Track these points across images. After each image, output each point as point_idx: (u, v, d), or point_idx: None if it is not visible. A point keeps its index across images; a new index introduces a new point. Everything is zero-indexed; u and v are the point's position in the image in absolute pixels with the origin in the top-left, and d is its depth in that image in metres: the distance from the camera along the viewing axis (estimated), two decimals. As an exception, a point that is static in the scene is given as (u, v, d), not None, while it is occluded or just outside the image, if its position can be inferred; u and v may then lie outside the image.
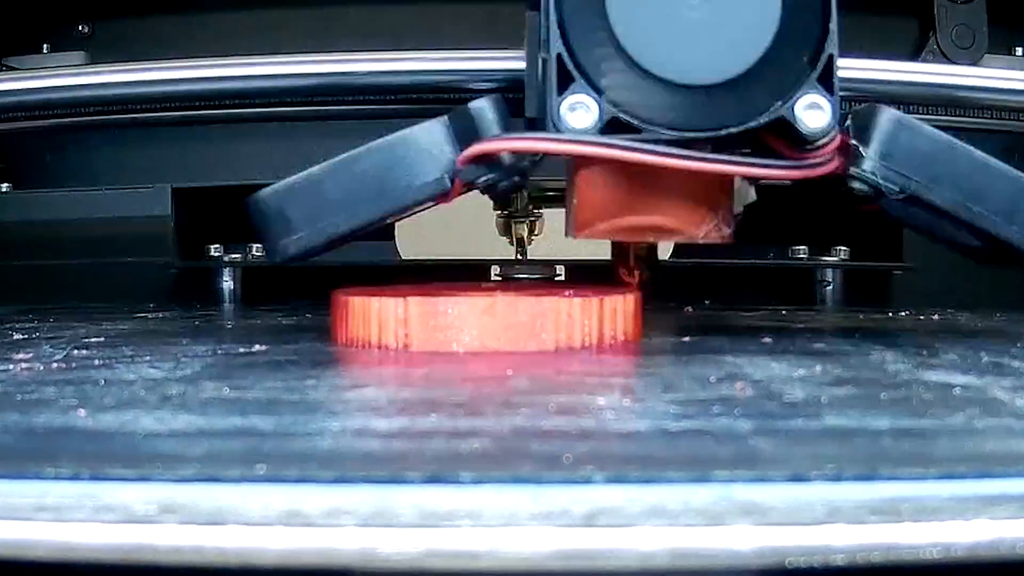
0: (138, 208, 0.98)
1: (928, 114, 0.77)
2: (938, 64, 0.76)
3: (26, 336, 0.67)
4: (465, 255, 1.11)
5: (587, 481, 0.32)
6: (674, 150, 0.55)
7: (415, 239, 1.15)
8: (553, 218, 1.09)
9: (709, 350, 0.59)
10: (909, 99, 0.75)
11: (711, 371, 0.51)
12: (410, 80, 0.76)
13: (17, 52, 0.93)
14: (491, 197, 0.62)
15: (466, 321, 0.57)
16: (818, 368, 0.52)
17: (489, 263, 1.00)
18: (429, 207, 0.61)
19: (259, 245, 1.01)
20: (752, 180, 0.67)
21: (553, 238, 1.15)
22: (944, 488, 0.33)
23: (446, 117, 0.60)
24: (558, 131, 0.56)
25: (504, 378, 0.49)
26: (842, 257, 1.01)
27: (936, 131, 0.60)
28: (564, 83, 0.56)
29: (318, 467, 0.33)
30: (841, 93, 0.62)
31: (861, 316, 0.81)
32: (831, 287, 1.02)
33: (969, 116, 0.80)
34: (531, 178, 0.64)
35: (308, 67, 0.78)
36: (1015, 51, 0.98)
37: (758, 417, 0.40)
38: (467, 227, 1.18)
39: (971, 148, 0.60)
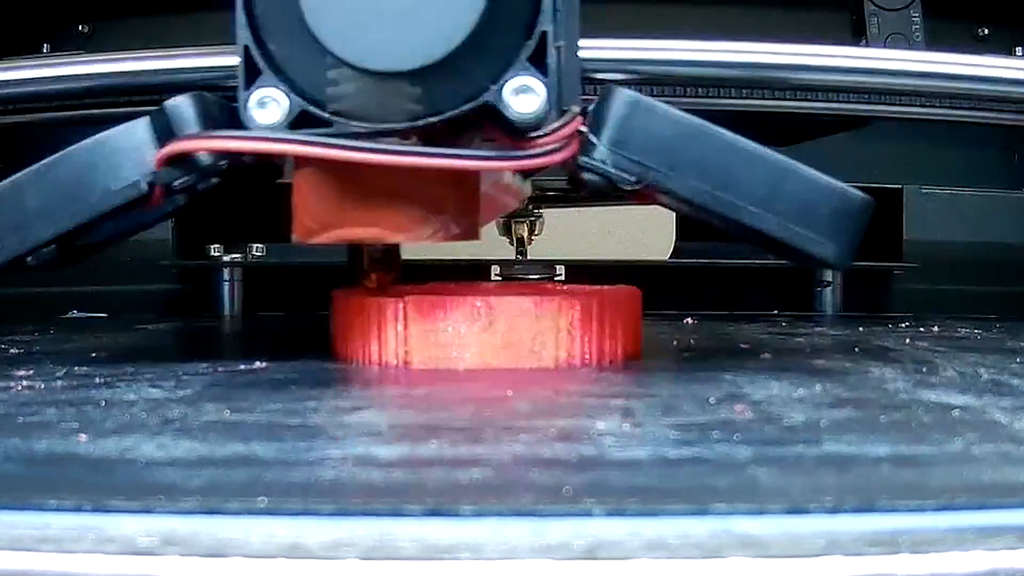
0: None
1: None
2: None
3: (26, 351, 0.67)
4: (465, 255, 1.11)
5: (587, 514, 0.32)
6: (363, 144, 0.51)
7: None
8: (553, 218, 1.09)
9: (709, 367, 0.59)
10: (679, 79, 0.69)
11: (711, 391, 0.51)
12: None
13: (17, 52, 0.93)
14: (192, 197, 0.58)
15: (466, 339, 0.57)
16: (817, 388, 0.52)
17: (489, 263, 1.00)
18: (150, 216, 0.59)
19: (259, 245, 1.01)
20: (524, 175, 0.63)
21: (553, 238, 1.16)
22: (942, 520, 0.33)
23: (149, 116, 0.55)
24: (245, 128, 0.52)
25: (504, 399, 0.50)
26: None
27: (681, 113, 0.54)
28: (252, 76, 0.52)
29: (319, 499, 0.33)
30: (631, 76, 0.59)
31: (861, 328, 0.81)
32: (831, 287, 1.02)
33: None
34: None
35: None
36: (1015, 51, 0.98)
37: (757, 444, 0.40)
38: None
39: (723, 130, 0.54)
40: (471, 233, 0.56)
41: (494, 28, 0.50)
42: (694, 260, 1.05)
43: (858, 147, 1.05)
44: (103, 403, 0.48)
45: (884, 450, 0.39)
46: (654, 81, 0.66)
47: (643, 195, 0.55)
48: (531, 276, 0.97)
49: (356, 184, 0.54)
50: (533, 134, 0.52)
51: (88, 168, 0.56)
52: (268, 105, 0.52)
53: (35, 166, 0.57)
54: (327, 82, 0.52)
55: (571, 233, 1.21)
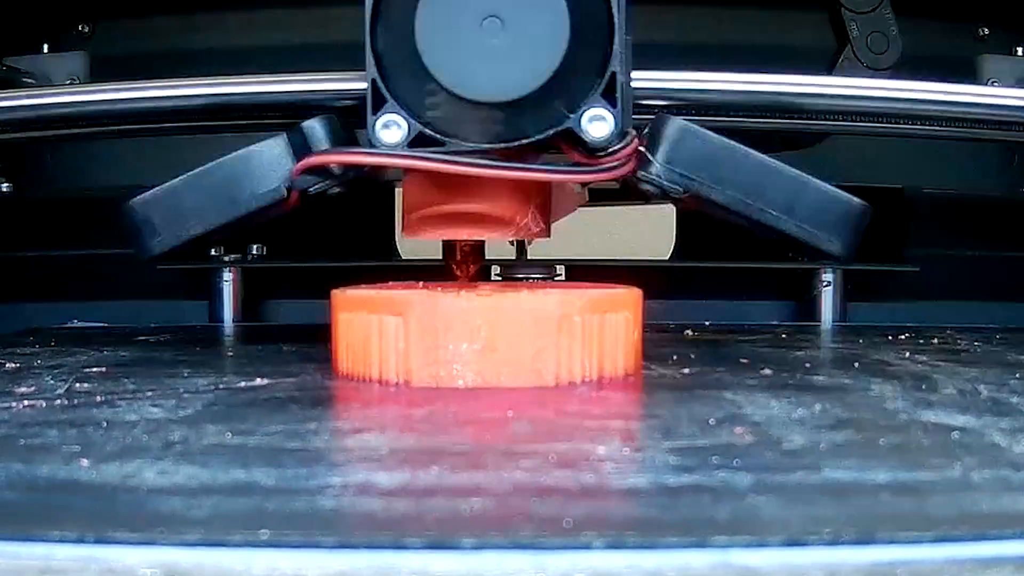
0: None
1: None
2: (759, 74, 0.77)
3: (26, 365, 0.67)
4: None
5: (587, 547, 0.32)
6: (473, 159, 0.63)
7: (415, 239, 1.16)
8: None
9: (709, 385, 0.59)
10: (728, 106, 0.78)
11: (711, 411, 0.51)
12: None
13: (17, 52, 0.93)
14: (321, 200, 0.70)
15: (466, 358, 0.57)
16: (817, 407, 0.52)
17: (489, 263, 1.00)
18: (276, 214, 0.69)
19: (259, 245, 1.02)
20: (583, 184, 0.76)
21: (553, 238, 1.16)
22: (940, 551, 0.33)
23: (285, 134, 0.68)
24: (372, 146, 0.64)
25: (504, 421, 0.50)
26: None
27: (720, 137, 0.66)
28: (378, 104, 0.64)
29: (321, 530, 0.33)
30: (667, 101, 0.72)
31: (860, 340, 0.81)
32: (831, 287, 1.02)
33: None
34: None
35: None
36: (1015, 51, 0.98)
37: (757, 470, 0.40)
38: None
39: (752, 151, 0.66)
40: (545, 232, 0.69)
41: (572, 69, 0.62)
42: (694, 260, 1.05)
43: (860, 149, 1.05)
44: (104, 424, 0.48)
45: (883, 477, 0.39)
46: (683, 105, 0.76)
47: (687, 201, 0.67)
48: (531, 276, 0.97)
49: (455, 190, 0.65)
50: (602, 153, 0.64)
51: (235, 176, 0.68)
52: (391, 127, 0.63)
53: (189, 174, 0.68)
54: (440, 109, 0.63)
55: (571, 233, 1.21)
